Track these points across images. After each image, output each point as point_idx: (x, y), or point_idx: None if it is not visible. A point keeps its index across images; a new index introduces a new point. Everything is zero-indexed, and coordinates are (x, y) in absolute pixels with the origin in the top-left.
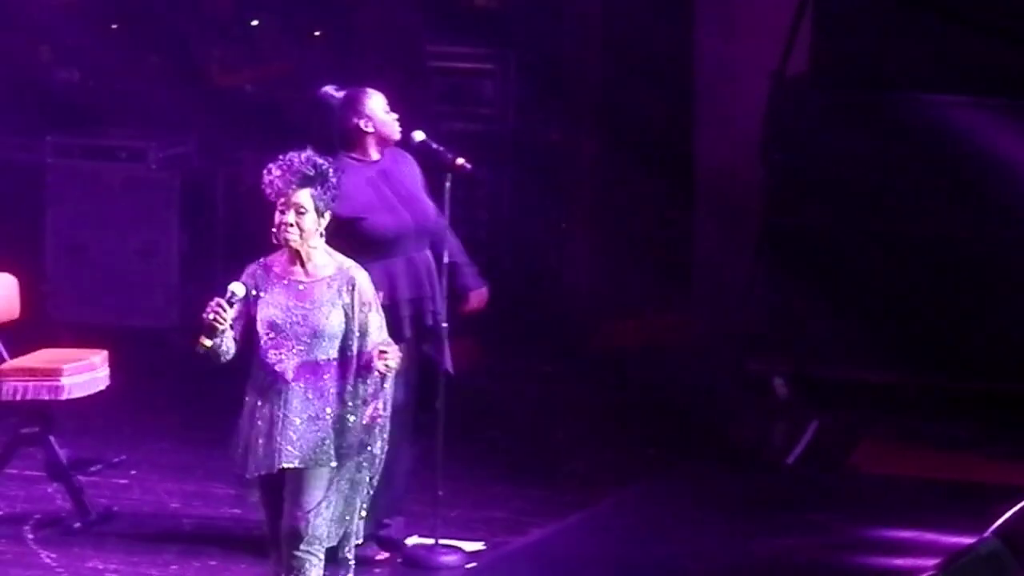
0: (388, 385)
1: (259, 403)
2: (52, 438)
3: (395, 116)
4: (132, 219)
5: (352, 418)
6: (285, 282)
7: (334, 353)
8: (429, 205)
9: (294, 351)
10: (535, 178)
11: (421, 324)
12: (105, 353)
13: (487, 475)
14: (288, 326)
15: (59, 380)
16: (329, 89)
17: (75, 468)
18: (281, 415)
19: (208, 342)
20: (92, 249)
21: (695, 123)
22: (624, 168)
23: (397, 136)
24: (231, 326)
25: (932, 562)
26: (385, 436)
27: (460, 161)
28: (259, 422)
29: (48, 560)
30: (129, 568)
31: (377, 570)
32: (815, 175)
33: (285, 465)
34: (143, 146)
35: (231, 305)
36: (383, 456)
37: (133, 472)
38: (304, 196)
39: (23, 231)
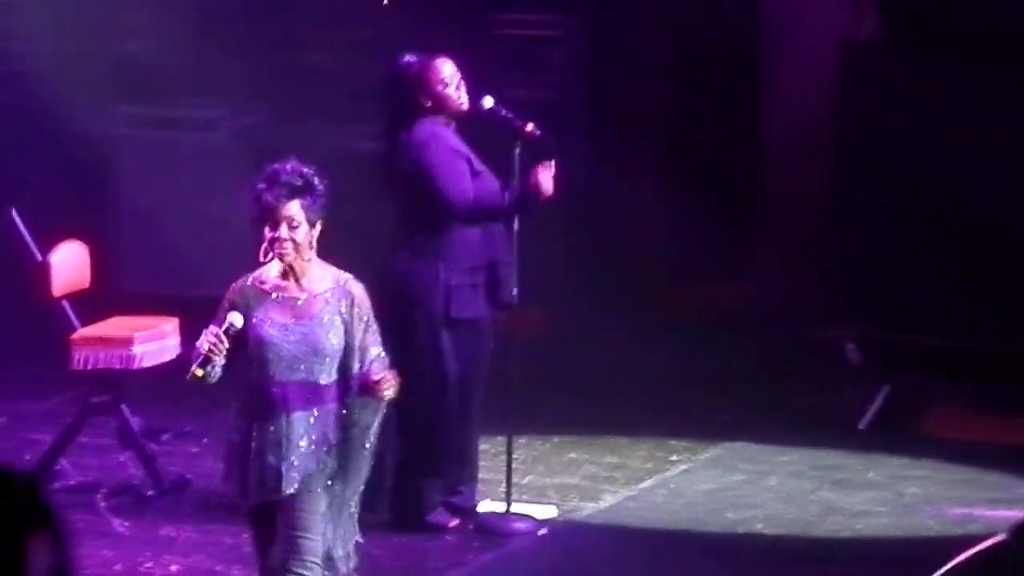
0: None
1: (255, 427)
2: (124, 407)
3: (459, 87)
4: (203, 189)
5: (355, 441)
6: (279, 299)
7: (334, 372)
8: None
9: (293, 372)
10: (604, 145)
11: (495, 293)
12: (176, 321)
13: (559, 442)
14: (285, 346)
15: (130, 349)
16: (409, 57)
17: (147, 437)
18: (282, 440)
19: (200, 372)
20: (163, 219)
21: (763, 88)
22: (693, 134)
23: (460, 108)
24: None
25: (1005, 525)
26: (370, 460)
27: (530, 127)
28: (257, 447)
29: (121, 528)
30: (202, 536)
31: (449, 537)
32: (885, 144)
33: (287, 491)
34: (215, 116)
35: (228, 336)
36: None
37: (204, 440)
38: (294, 208)
39: (95, 201)
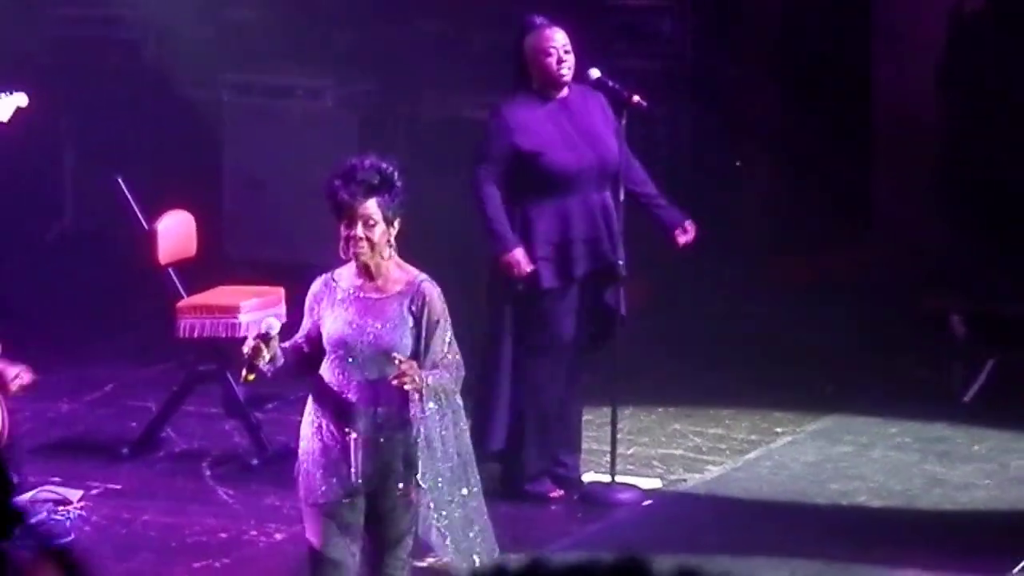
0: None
1: (327, 424)
2: (229, 375)
3: (563, 58)
4: (309, 157)
5: (435, 444)
6: (353, 297)
7: None
8: (613, 144)
9: (365, 371)
10: (712, 115)
11: (594, 265)
12: (281, 290)
13: (664, 413)
14: (357, 344)
15: (236, 317)
16: (532, 18)
17: (252, 405)
18: (352, 438)
19: (251, 376)
20: (269, 186)
21: (873, 59)
22: (801, 104)
23: (559, 79)
24: (275, 357)
25: None
26: (469, 452)
27: (636, 98)
28: (328, 444)
29: (225, 496)
30: None
31: (553, 507)
32: (993, 113)
33: (362, 492)
34: (321, 84)
35: (267, 342)
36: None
37: None
38: (372, 207)
39: (201, 169)
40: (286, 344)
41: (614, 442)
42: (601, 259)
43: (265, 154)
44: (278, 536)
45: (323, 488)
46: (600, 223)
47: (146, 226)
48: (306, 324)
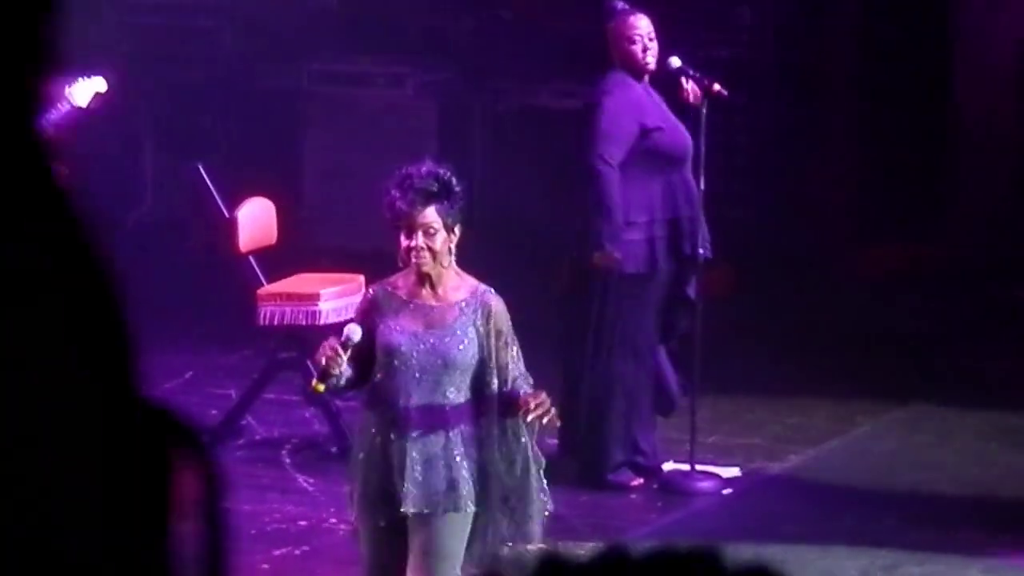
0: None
1: (379, 440)
2: (309, 363)
3: (648, 46)
4: (389, 145)
5: (497, 466)
6: (411, 306)
7: (466, 389)
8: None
9: (420, 384)
10: (792, 104)
11: (678, 249)
12: (362, 278)
13: (744, 401)
14: (414, 355)
15: (316, 305)
16: (616, 4)
17: (332, 393)
18: (404, 457)
19: (322, 386)
20: (349, 174)
21: (953, 49)
22: (882, 94)
23: (643, 66)
24: (345, 368)
25: None
26: (542, 487)
27: (717, 87)
28: (379, 461)
29: (305, 484)
30: None
31: (632, 496)
32: None
33: (411, 511)
34: (401, 72)
35: (346, 349)
36: (542, 511)
37: None
38: (431, 215)
39: (281, 157)
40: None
41: (694, 431)
42: (683, 244)
43: (345, 142)
44: None
45: (373, 510)
46: (683, 205)
47: (226, 214)
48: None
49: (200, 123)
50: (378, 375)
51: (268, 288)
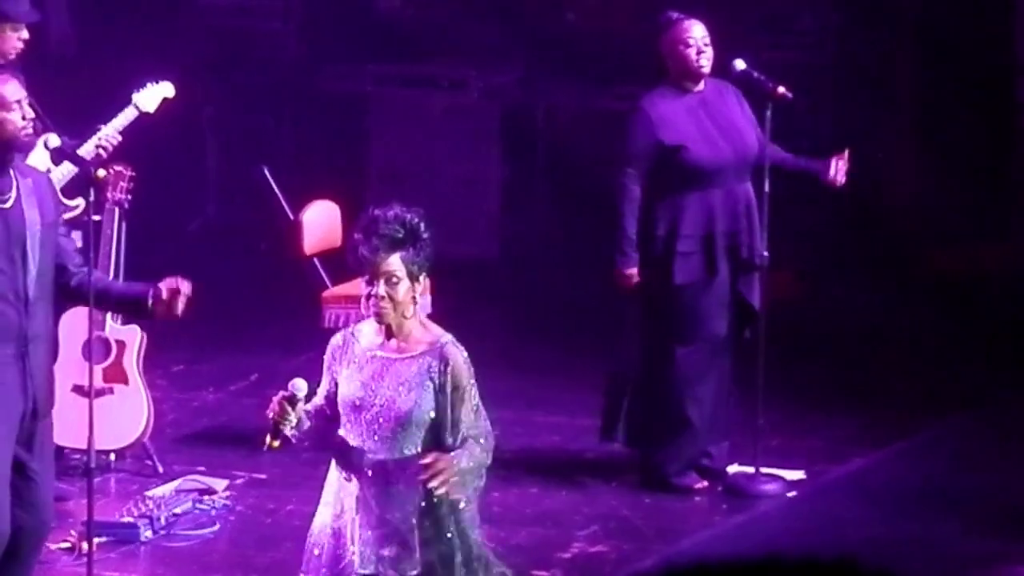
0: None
1: (337, 495)
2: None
3: (702, 51)
4: (453, 148)
5: (441, 526)
6: (370, 357)
7: (421, 446)
8: (753, 136)
9: (376, 439)
10: (855, 105)
11: (736, 257)
12: (427, 281)
13: (808, 404)
14: (370, 408)
15: None
16: (669, 14)
17: None
18: (359, 516)
19: (276, 443)
20: (413, 177)
21: (1016, 48)
22: (947, 94)
23: (697, 71)
24: (301, 421)
25: None
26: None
27: (781, 90)
28: (336, 518)
29: None
30: None
31: (697, 499)
32: None
33: (361, 572)
34: (465, 75)
35: (293, 404)
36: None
37: None
38: (395, 262)
39: (346, 160)
40: (309, 407)
41: (758, 433)
42: (744, 252)
43: (409, 145)
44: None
45: (323, 570)
46: (742, 216)
47: (291, 216)
48: (325, 383)
49: (265, 126)
50: (341, 427)
51: (333, 290)
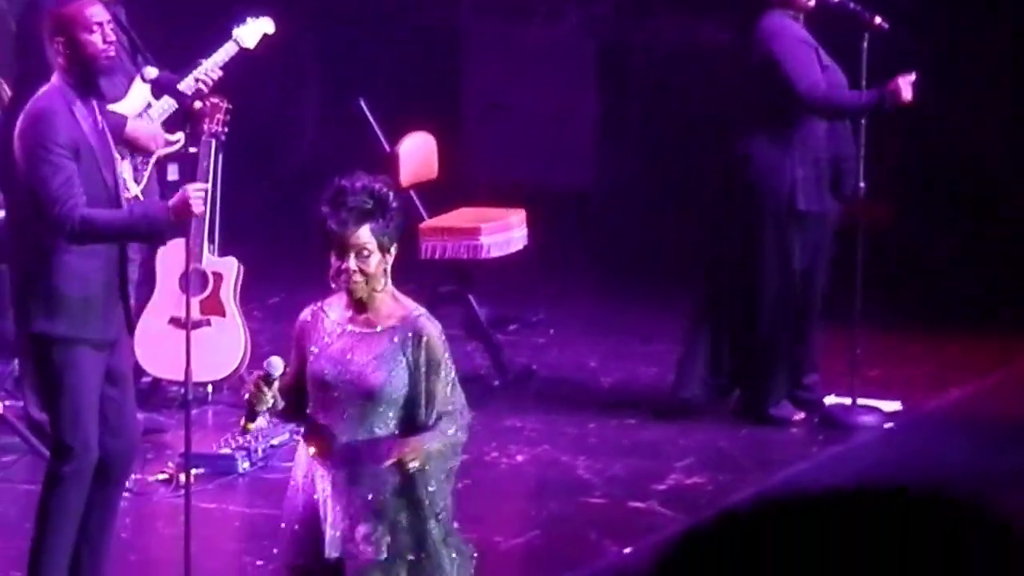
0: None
1: (308, 475)
2: (471, 297)
3: None
4: (548, 80)
5: (419, 506)
6: (340, 331)
7: (393, 424)
8: None
9: (345, 417)
10: (951, 39)
11: (838, 186)
12: (523, 213)
13: (906, 334)
14: (339, 385)
15: (478, 239)
16: None
17: (493, 327)
18: (328, 496)
19: (251, 425)
20: (509, 109)
21: None
22: None
23: (804, 4)
24: (276, 401)
25: None
26: (453, 539)
27: (878, 20)
28: (306, 499)
29: None
30: (546, 427)
31: (794, 430)
32: None
33: (331, 555)
34: (560, 7)
35: (269, 383)
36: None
37: (551, 331)
38: (365, 235)
39: (441, 92)
40: (281, 385)
41: (855, 364)
42: (844, 183)
43: (504, 77)
44: (519, 458)
45: (296, 549)
46: (845, 145)
47: (388, 148)
48: (295, 360)
49: (361, 58)
50: (309, 406)
51: (429, 222)
